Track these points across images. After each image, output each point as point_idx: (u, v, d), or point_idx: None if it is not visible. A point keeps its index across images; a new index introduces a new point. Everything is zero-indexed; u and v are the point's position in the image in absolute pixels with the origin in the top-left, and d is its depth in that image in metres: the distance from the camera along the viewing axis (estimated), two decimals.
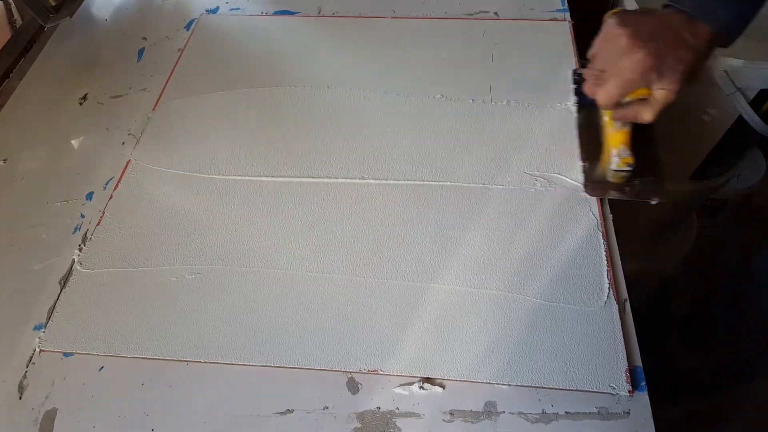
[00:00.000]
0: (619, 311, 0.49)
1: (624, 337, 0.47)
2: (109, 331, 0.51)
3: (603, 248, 0.53)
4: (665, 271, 1.13)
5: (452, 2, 0.81)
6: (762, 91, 0.75)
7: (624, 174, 0.56)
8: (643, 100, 0.51)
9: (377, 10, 0.81)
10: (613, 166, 0.56)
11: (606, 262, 0.52)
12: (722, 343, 0.95)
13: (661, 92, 0.49)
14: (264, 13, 0.82)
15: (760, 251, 0.92)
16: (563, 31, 0.75)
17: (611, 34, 0.50)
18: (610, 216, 0.56)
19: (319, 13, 0.82)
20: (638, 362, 0.47)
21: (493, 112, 0.66)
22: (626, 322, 0.48)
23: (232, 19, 0.81)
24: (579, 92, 0.63)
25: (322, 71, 0.72)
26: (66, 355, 0.51)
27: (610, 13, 0.53)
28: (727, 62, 0.73)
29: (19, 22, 0.91)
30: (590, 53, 0.54)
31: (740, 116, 0.78)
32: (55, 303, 0.53)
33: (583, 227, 0.54)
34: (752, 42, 0.86)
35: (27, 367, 0.50)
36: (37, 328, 0.52)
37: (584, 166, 0.59)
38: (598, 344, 0.47)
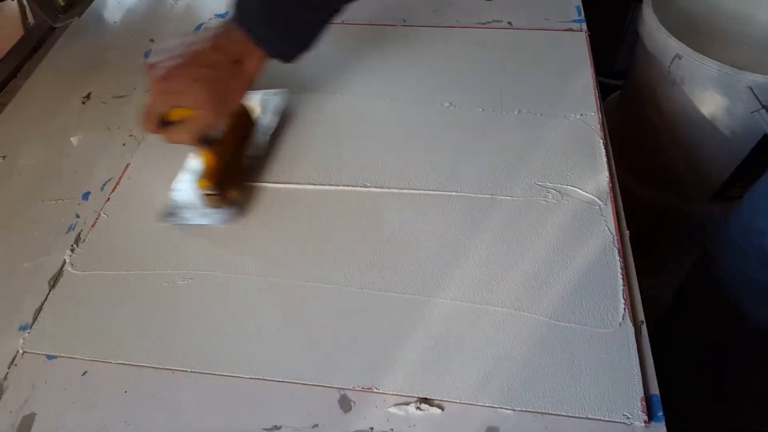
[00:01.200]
0: (635, 334, 0.45)
1: (640, 362, 0.44)
2: (95, 335, 0.49)
3: (619, 266, 0.50)
4: (685, 295, 1.09)
5: (464, 11, 0.79)
6: None
7: (211, 197, 0.55)
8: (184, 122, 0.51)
9: (387, 18, 0.79)
10: (196, 190, 0.55)
11: (622, 281, 0.49)
12: (744, 374, 0.90)
13: (195, 114, 0.49)
14: None
15: None
16: (579, 42, 0.72)
17: (151, 58, 0.51)
18: (627, 232, 0.52)
19: None
20: (655, 390, 0.43)
21: (503, 122, 0.63)
22: (642, 346, 0.45)
23: None
24: None
25: (330, 78, 0.71)
26: (49, 357, 0.48)
27: None
28: (751, 78, 0.70)
29: (32, 23, 0.91)
30: None
31: (765, 134, 0.75)
32: (43, 303, 0.51)
33: (598, 243, 0.51)
34: None
35: (8, 368, 0.48)
36: (22, 328, 0.50)
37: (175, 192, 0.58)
38: (611, 369, 0.44)
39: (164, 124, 0.51)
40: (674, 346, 0.88)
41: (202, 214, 0.56)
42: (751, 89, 0.70)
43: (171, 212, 0.57)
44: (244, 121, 0.61)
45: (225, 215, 0.56)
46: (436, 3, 0.81)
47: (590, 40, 0.73)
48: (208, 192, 0.55)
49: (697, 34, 0.85)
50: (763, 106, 0.71)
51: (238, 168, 0.59)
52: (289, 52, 0.52)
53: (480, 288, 0.49)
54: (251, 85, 0.53)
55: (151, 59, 0.51)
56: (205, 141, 0.53)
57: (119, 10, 0.85)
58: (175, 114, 0.50)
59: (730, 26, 0.88)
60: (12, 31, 0.88)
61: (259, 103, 0.65)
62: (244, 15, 0.50)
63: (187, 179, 0.58)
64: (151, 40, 0.79)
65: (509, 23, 0.77)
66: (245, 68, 0.51)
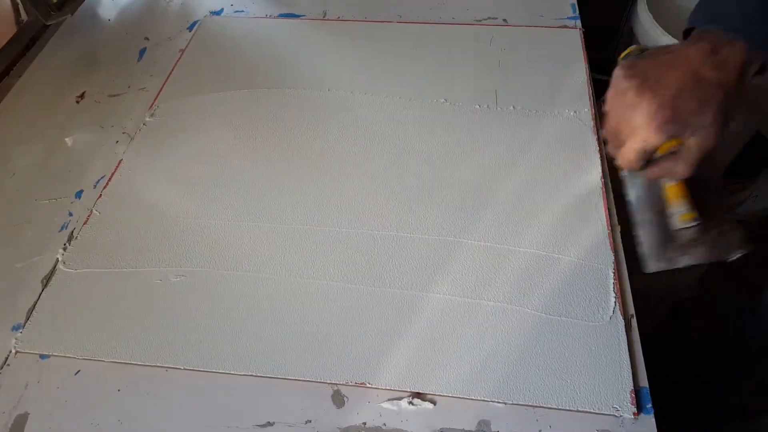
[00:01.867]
0: (626, 327, 0.46)
1: (630, 355, 0.44)
2: (88, 334, 0.49)
3: (610, 260, 0.50)
4: (679, 293, 1.09)
5: (460, 8, 0.79)
6: None
7: (690, 232, 0.47)
8: (675, 153, 0.43)
9: (383, 15, 0.79)
10: (674, 226, 0.47)
11: (612, 275, 0.49)
12: (736, 372, 0.91)
13: (693, 141, 0.42)
14: (268, 16, 0.81)
15: None
16: (574, 39, 0.73)
17: (619, 87, 0.43)
18: (618, 227, 0.53)
19: (324, 16, 0.80)
20: (644, 383, 0.43)
21: (498, 118, 0.63)
22: (632, 340, 0.45)
23: (236, 21, 0.80)
24: None
25: (326, 74, 0.71)
26: (42, 357, 0.48)
27: (622, 55, 0.46)
28: None
29: (25, 20, 0.91)
30: (604, 108, 0.46)
31: (757, 132, 0.75)
32: (36, 303, 0.51)
33: (590, 237, 0.52)
34: None
35: (1, 368, 0.48)
36: (15, 328, 0.50)
37: (641, 236, 0.49)
38: (601, 362, 0.44)
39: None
40: (674, 347, 0.88)
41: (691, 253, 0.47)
42: None
43: (659, 255, 0.48)
44: None
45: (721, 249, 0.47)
46: (432, 0, 0.81)
47: (586, 38, 0.73)
48: (690, 225, 0.47)
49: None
50: None
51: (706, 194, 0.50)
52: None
53: (473, 282, 0.50)
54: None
55: (619, 84, 0.43)
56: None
57: (113, 7, 0.85)
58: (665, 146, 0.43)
59: None
60: (4, 28, 0.88)
61: None
62: (741, 24, 0.42)
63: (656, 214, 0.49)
64: (146, 38, 0.79)
65: (504, 20, 0.77)
66: (744, 84, 0.43)
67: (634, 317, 0.47)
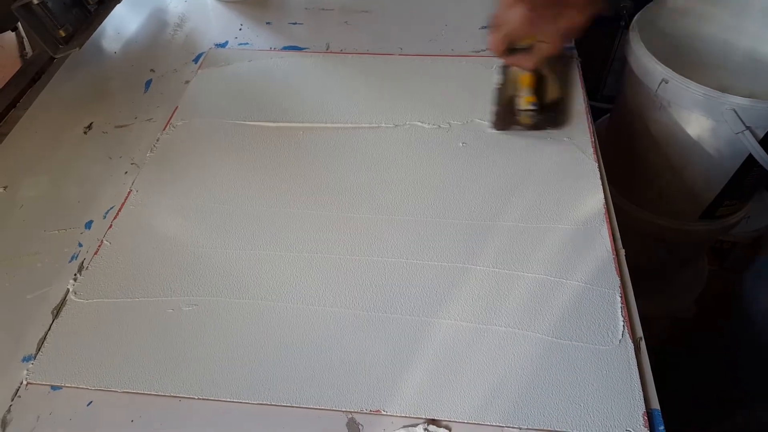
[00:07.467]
0: (635, 350, 0.47)
1: (640, 377, 0.45)
2: (100, 364, 0.49)
3: (617, 283, 0.51)
4: (677, 313, 1.10)
5: (459, 40, 0.82)
6: None
7: (529, 113, 0.65)
8: (528, 49, 0.60)
9: (385, 47, 0.81)
10: (519, 106, 0.65)
11: (620, 299, 0.50)
12: (734, 389, 0.91)
13: (541, 44, 0.58)
14: (272, 48, 0.83)
15: None
16: (571, 68, 0.75)
17: None
18: (623, 250, 0.54)
19: (327, 49, 0.82)
20: (656, 404, 0.44)
21: (499, 147, 0.65)
22: (642, 362, 0.46)
23: (241, 53, 0.82)
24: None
25: (331, 105, 0.72)
26: (54, 388, 0.48)
27: None
28: (735, 101, 0.72)
29: (30, 55, 0.92)
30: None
31: (750, 155, 0.77)
32: (46, 334, 0.51)
33: (596, 261, 0.53)
34: (761, 80, 0.86)
35: (12, 400, 0.48)
36: (26, 359, 0.50)
37: (495, 110, 0.68)
38: (613, 385, 0.45)
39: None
40: (676, 366, 0.89)
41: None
42: (735, 111, 0.73)
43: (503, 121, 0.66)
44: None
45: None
46: (431, 32, 0.84)
47: (582, 63, 0.75)
48: (530, 108, 0.64)
49: (681, 58, 0.87)
50: (747, 128, 0.73)
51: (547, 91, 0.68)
52: None
53: (482, 308, 0.50)
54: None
55: None
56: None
57: (119, 40, 0.87)
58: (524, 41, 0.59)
59: (711, 51, 0.91)
60: (8, 62, 0.89)
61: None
62: None
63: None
64: (152, 70, 0.80)
65: None
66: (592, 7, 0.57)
67: (642, 340, 0.47)
